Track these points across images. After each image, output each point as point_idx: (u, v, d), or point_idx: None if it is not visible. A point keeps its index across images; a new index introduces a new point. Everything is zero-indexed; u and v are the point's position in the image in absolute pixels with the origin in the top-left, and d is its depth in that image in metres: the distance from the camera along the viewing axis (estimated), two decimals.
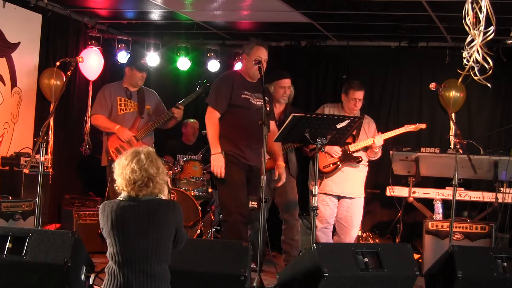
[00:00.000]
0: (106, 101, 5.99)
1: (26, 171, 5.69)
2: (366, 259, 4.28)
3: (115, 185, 3.29)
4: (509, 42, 6.68)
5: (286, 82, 6.00)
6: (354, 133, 5.86)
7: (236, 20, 7.46)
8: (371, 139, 5.94)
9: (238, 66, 7.78)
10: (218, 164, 5.12)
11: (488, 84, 3.73)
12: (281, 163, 5.41)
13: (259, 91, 5.28)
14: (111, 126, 5.94)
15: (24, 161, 6.10)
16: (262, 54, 5.26)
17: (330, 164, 5.96)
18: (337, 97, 6.35)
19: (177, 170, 6.93)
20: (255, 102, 5.29)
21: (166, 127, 6.29)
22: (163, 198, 3.34)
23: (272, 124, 5.37)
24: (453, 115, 7.00)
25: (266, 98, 5.05)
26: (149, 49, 8.03)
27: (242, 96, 5.25)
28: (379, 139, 5.91)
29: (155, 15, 7.22)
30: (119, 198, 3.28)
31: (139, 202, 3.22)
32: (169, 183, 3.44)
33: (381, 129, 6.27)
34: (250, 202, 5.11)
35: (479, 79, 3.60)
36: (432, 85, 5.69)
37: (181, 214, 3.32)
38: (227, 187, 5.21)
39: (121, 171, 3.25)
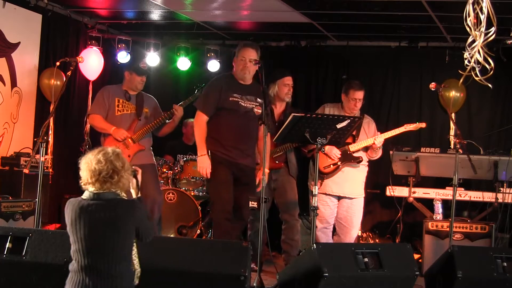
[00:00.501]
0: (104, 101, 5.93)
1: (26, 171, 5.68)
2: (366, 259, 4.28)
3: (80, 181, 3.33)
4: (509, 42, 6.68)
5: (289, 79, 6.03)
6: (354, 133, 5.85)
7: (236, 20, 7.46)
8: (371, 139, 5.94)
9: None
10: (203, 165, 5.22)
11: (489, 85, 3.73)
12: (265, 170, 5.20)
13: (251, 93, 5.32)
14: (107, 127, 5.87)
15: (24, 161, 6.09)
16: (247, 54, 5.28)
17: (330, 164, 5.95)
18: (337, 97, 6.35)
19: (177, 170, 6.94)
20: (245, 105, 5.30)
21: (159, 133, 6.09)
22: (125, 197, 3.37)
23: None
24: (453, 115, 7.00)
25: (265, 98, 5.08)
26: (149, 49, 8.03)
27: (231, 99, 5.26)
28: (380, 139, 5.90)
29: (155, 15, 7.22)
30: (82, 196, 3.32)
31: (99, 201, 3.25)
32: (138, 183, 3.47)
33: (381, 129, 6.26)
34: (250, 202, 5.12)
35: (480, 80, 3.60)
36: (432, 85, 5.68)
37: (142, 211, 3.36)
38: (212, 185, 5.34)
39: (87, 164, 3.30)
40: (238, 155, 5.27)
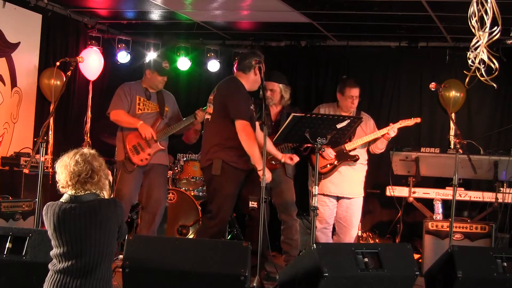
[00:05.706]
0: (126, 97, 5.84)
1: (26, 171, 5.68)
2: (366, 259, 4.27)
3: (58, 184, 3.31)
4: (509, 42, 6.68)
5: (271, 84, 5.86)
6: None
7: (236, 20, 7.46)
8: (377, 132, 5.90)
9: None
10: (269, 175, 4.99)
11: (494, 85, 3.74)
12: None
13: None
14: (133, 121, 5.77)
15: (24, 161, 6.10)
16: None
17: (327, 164, 5.95)
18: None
19: (177, 170, 6.93)
20: (255, 112, 5.35)
21: (186, 139, 6.17)
22: (105, 196, 3.36)
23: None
24: (453, 115, 7.00)
25: (265, 99, 5.09)
26: (149, 49, 8.03)
27: (251, 107, 5.27)
28: (394, 129, 5.86)
29: (155, 15, 7.22)
30: (61, 200, 3.29)
31: (80, 203, 3.23)
32: (110, 183, 3.48)
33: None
34: (250, 202, 5.11)
35: (486, 80, 3.60)
36: (432, 85, 5.68)
37: (122, 211, 3.38)
38: (218, 196, 5.19)
39: (65, 167, 3.27)
40: (247, 162, 5.19)
